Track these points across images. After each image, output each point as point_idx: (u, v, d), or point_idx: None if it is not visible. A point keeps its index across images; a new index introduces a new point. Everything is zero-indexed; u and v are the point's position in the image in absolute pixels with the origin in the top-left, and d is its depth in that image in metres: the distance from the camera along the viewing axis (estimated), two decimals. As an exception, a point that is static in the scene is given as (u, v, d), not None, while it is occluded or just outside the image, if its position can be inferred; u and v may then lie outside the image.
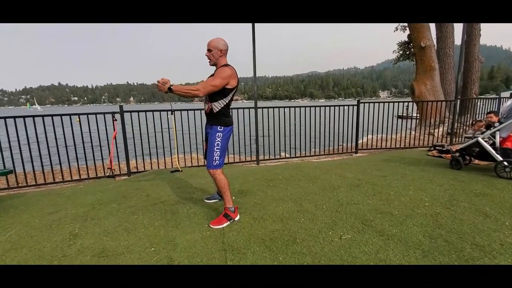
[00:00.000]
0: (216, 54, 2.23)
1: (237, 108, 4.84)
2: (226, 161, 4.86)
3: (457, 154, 3.77)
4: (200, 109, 4.22)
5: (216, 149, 2.29)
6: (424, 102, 6.88)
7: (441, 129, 6.81)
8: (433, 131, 6.55)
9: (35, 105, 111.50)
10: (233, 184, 3.38)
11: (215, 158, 2.29)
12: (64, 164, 4.15)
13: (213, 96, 2.24)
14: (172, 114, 4.00)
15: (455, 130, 5.88)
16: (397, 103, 5.76)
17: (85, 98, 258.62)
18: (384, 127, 5.59)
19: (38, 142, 3.78)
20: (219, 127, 2.30)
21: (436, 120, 6.67)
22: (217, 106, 2.27)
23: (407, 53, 10.91)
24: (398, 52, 11.34)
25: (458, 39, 6.58)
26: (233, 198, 2.90)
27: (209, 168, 2.32)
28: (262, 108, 4.90)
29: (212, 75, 2.28)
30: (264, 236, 2.08)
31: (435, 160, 4.29)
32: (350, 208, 2.53)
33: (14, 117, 3.71)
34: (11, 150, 3.69)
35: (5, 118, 3.69)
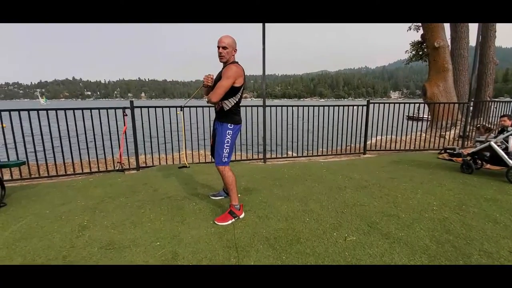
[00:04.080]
0: (230, 53, 2.25)
1: (245, 106, 4.84)
2: (233, 158, 4.88)
3: (469, 158, 3.69)
4: (209, 106, 4.24)
5: (226, 146, 2.31)
6: (436, 104, 6.74)
7: (452, 131, 6.66)
8: (444, 133, 6.41)
9: (39, 98, 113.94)
10: (239, 182, 3.38)
11: (224, 155, 2.31)
12: (76, 157, 4.25)
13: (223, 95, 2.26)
14: (181, 110, 4.04)
15: (467, 133, 5.74)
16: (408, 104, 5.65)
17: (98, 92, 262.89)
18: (394, 129, 5.50)
19: (51, 135, 3.88)
20: (229, 124, 2.31)
21: (448, 123, 6.52)
22: (228, 104, 2.29)
23: (420, 53, 10.66)
24: (411, 52, 11.09)
25: (473, 40, 6.41)
26: (239, 195, 2.91)
27: (218, 164, 2.35)
28: (271, 106, 4.89)
29: (220, 72, 2.30)
30: (268, 234, 2.09)
31: (445, 164, 4.21)
32: (356, 210, 2.51)
33: (28, 110, 3.80)
34: (24, 142, 3.79)
35: (19, 110, 3.78)
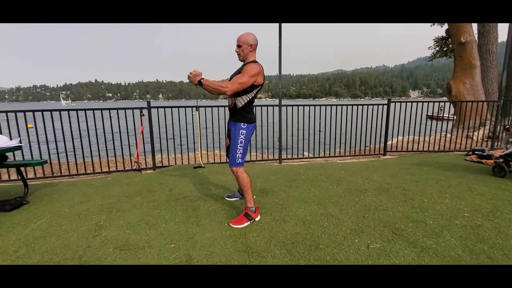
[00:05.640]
0: (246, 50, 2.19)
1: (261, 106, 4.78)
2: (248, 158, 4.82)
3: (501, 160, 3.42)
4: (224, 106, 4.21)
5: (239, 146, 2.25)
6: (463, 103, 6.38)
7: (481, 132, 6.27)
8: (471, 134, 6.04)
9: (61, 100, 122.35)
10: (254, 183, 3.33)
11: (238, 156, 2.25)
12: (95, 156, 4.35)
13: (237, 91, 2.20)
14: (196, 110, 4.03)
15: (497, 134, 5.38)
16: (432, 103, 5.37)
17: (119, 94, 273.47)
18: (416, 129, 5.24)
19: (72, 134, 3.97)
20: (242, 124, 2.25)
21: (475, 122, 6.14)
22: (241, 101, 2.22)
23: (445, 49, 10.15)
24: (434, 48, 10.59)
25: (502, 34, 6.02)
26: (254, 197, 2.83)
27: (232, 166, 2.28)
28: (286, 106, 4.79)
29: (238, 70, 2.24)
30: (285, 239, 2.00)
31: (474, 166, 3.94)
32: (379, 215, 2.36)
33: (51, 111, 3.92)
34: (47, 142, 3.91)
35: (42, 111, 3.90)
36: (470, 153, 4.56)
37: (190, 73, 2.05)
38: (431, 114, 5.09)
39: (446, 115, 7.27)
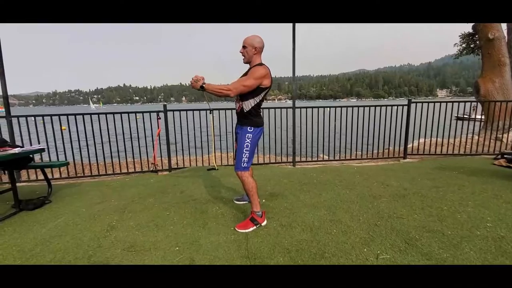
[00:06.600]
0: (250, 52, 2.18)
1: (275, 108, 4.75)
2: (261, 161, 4.81)
3: (533, 166, 3.16)
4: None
5: (245, 150, 2.23)
6: (491, 102, 5.96)
7: (511, 134, 5.83)
8: (501, 136, 5.63)
9: (90, 104, 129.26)
10: (265, 186, 3.31)
11: (244, 160, 2.23)
12: (115, 157, 4.53)
13: (244, 95, 2.20)
14: (210, 113, 4.08)
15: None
16: (458, 104, 5.06)
17: (145, 97, 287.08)
18: (440, 130, 4.96)
19: (94, 137, 4.18)
20: (249, 128, 2.24)
21: (505, 123, 5.71)
22: (248, 105, 2.21)
23: (472, 46, 9.57)
24: (461, 45, 10.01)
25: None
26: (263, 201, 2.83)
27: (237, 170, 2.28)
28: (300, 108, 4.72)
29: (245, 73, 2.24)
30: (290, 246, 1.95)
31: (502, 171, 3.66)
32: (392, 223, 2.25)
33: (75, 115, 4.14)
34: (71, 144, 4.13)
35: (67, 115, 4.13)
36: (499, 156, 4.25)
37: (192, 79, 2.07)
38: (461, 116, 4.80)
39: (475, 116, 6.85)
